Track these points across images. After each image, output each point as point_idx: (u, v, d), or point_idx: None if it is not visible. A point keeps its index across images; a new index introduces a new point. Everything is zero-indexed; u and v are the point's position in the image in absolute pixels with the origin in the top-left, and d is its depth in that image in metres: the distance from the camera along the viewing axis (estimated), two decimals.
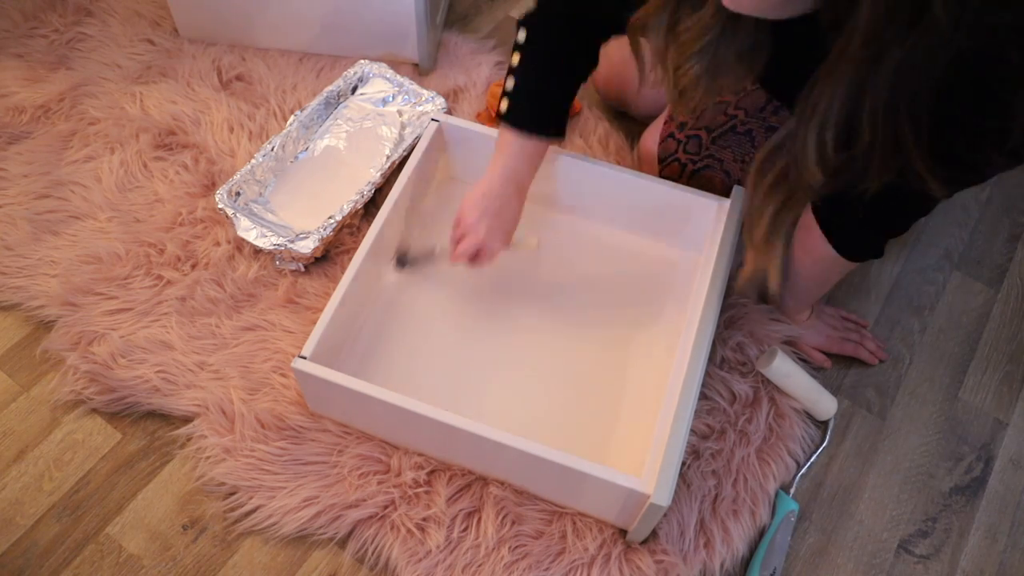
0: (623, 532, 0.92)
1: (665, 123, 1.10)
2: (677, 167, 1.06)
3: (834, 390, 1.06)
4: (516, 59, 0.92)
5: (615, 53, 1.19)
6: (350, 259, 1.02)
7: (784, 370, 1.00)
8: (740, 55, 0.73)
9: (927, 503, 0.99)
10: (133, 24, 1.35)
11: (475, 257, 0.96)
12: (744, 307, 1.08)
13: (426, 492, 0.93)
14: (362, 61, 1.25)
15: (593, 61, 0.95)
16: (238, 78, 1.30)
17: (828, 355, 1.08)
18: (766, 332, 1.06)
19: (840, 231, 0.89)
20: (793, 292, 1.04)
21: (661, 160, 1.08)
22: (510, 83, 0.93)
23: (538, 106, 0.94)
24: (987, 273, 1.18)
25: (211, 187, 1.16)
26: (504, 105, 0.94)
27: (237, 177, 1.11)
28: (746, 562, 0.93)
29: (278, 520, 0.92)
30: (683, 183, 1.06)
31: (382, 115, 1.24)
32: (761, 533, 0.94)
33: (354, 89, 1.25)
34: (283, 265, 1.09)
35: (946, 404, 1.07)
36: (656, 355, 1.02)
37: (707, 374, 1.02)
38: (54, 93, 1.25)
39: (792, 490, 0.98)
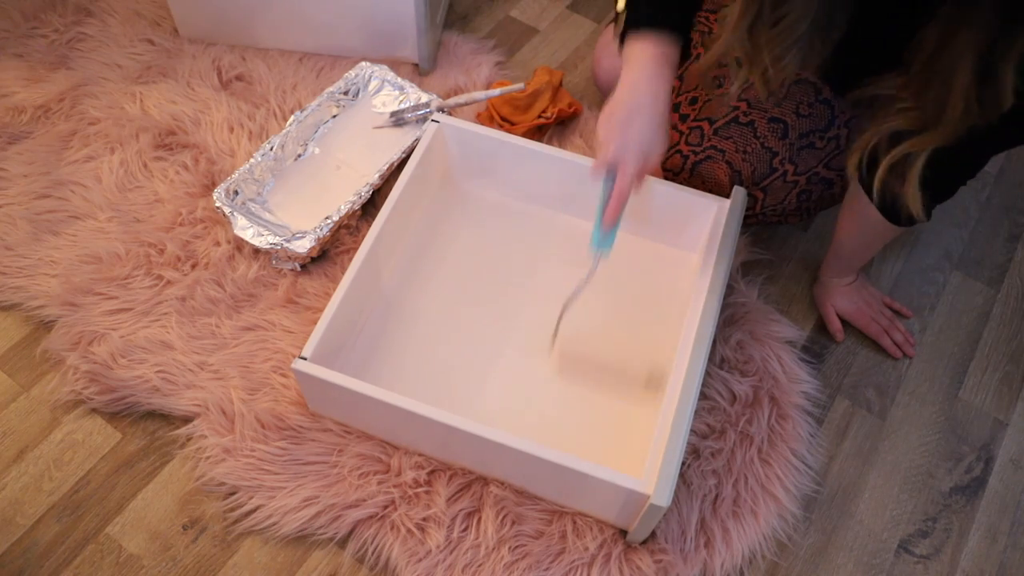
0: (623, 532, 0.92)
1: None
2: (679, 159, 1.06)
3: (834, 390, 1.07)
4: None
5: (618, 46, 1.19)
6: (350, 259, 1.02)
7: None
8: (826, 34, 0.77)
9: (927, 503, 0.99)
10: (133, 24, 1.35)
11: (616, 184, 0.87)
12: (744, 307, 1.08)
13: (426, 492, 0.93)
14: (363, 63, 1.25)
15: None
16: (238, 78, 1.30)
17: (853, 335, 1.10)
18: (766, 331, 1.06)
19: (886, 195, 0.89)
20: (837, 255, 1.06)
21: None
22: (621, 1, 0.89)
23: (658, 3, 0.87)
24: (987, 273, 1.18)
25: (211, 187, 1.16)
26: (620, 14, 0.88)
27: (235, 176, 1.11)
28: (747, 562, 0.93)
29: (278, 520, 0.92)
30: (685, 175, 1.06)
31: (382, 116, 1.24)
32: (762, 533, 0.94)
33: (354, 90, 1.25)
34: (279, 264, 1.09)
35: (946, 404, 1.07)
36: (656, 355, 1.02)
37: (707, 374, 1.02)
38: (54, 93, 1.25)
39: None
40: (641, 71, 0.86)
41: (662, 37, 0.86)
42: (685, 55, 0.89)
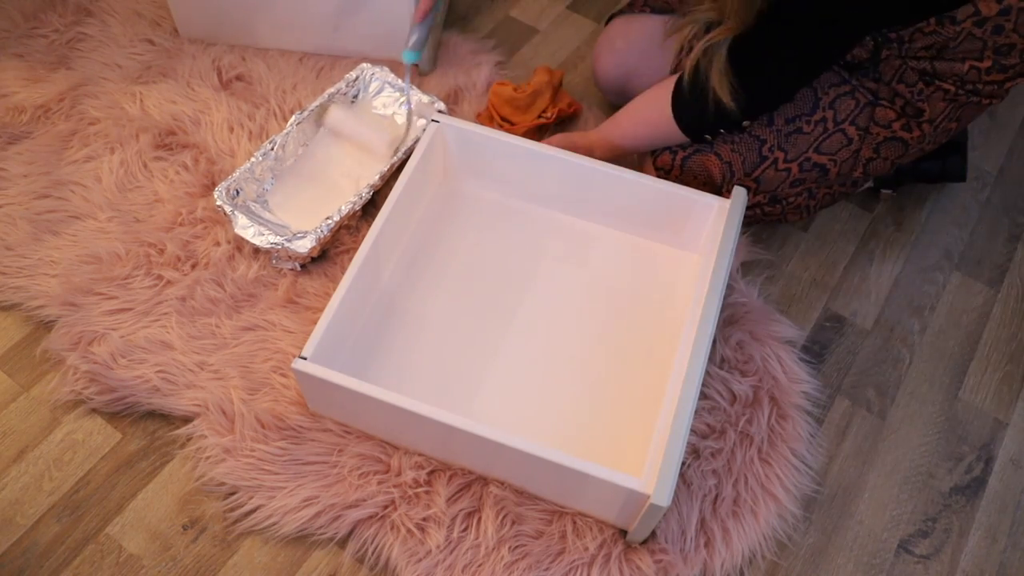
0: (623, 532, 0.92)
1: None
2: (668, 156, 1.06)
3: (834, 390, 1.07)
4: None
5: (619, 42, 1.19)
6: (350, 259, 1.02)
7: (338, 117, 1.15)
8: None
9: (927, 503, 0.99)
10: (133, 24, 1.35)
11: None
12: (744, 306, 1.08)
13: (426, 492, 0.93)
14: (363, 64, 1.25)
15: None
16: (238, 78, 1.30)
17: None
18: (766, 331, 1.06)
19: (696, 87, 0.98)
20: (618, 128, 1.10)
21: (653, 151, 1.08)
22: None
23: None
24: (987, 273, 1.18)
25: (211, 187, 1.16)
26: None
27: (236, 175, 1.11)
28: (747, 562, 0.93)
29: (278, 520, 0.92)
30: (676, 172, 1.06)
31: (382, 116, 1.24)
32: (762, 533, 0.94)
33: (354, 90, 1.25)
34: (279, 264, 1.09)
35: (946, 404, 1.07)
36: (656, 355, 1.02)
37: (707, 374, 1.02)
38: (54, 93, 1.25)
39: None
40: None
41: None
42: None
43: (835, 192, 1.08)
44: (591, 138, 1.12)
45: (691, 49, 0.98)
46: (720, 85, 0.94)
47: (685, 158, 1.05)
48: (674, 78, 1.02)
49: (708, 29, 0.95)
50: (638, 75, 1.19)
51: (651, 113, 1.05)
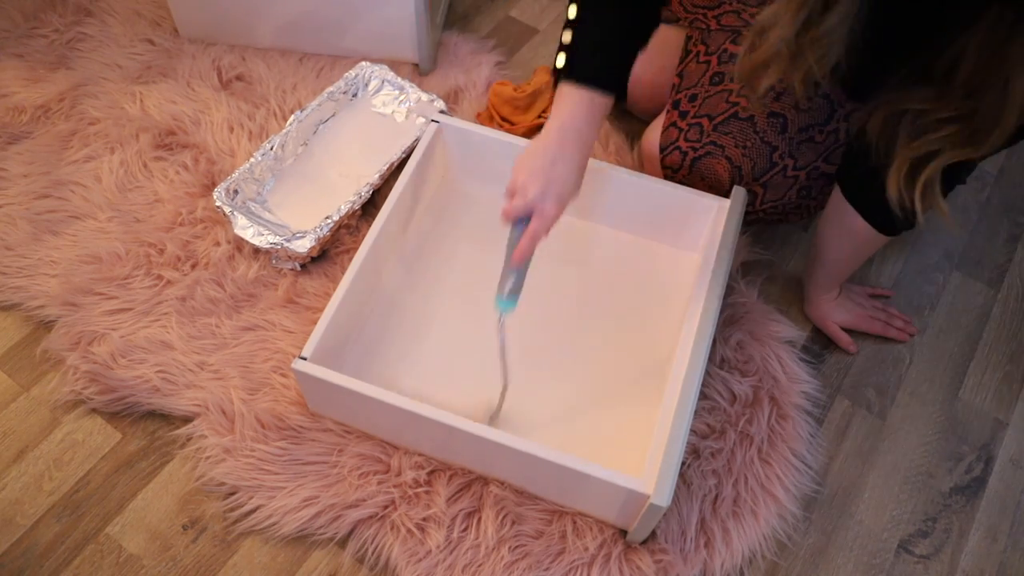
0: (623, 532, 0.92)
1: (667, 113, 1.10)
2: (678, 156, 1.06)
3: (834, 390, 1.07)
4: (573, 11, 0.89)
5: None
6: (350, 259, 1.02)
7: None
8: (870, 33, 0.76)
9: (927, 503, 0.99)
10: (133, 24, 1.35)
11: (531, 225, 0.86)
12: (744, 306, 1.08)
13: (426, 492, 0.93)
14: (363, 63, 1.25)
15: (655, 21, 0.92)
16: (238, 78, 1.30)
17: (855, 336, 1.10)
18: (766, 331, 1.06)
19: (875, 206, 0.90)
20: (827, 272, 1.05)
21: (662, 149, 1.07)
22: (567, 36, 0.89)
23: (600, 59, 0.87)
24: (987, 273, 1.18)
25: (211, 187, 1.16)
26: (562, 60, 0.89)
27: (235, 175, 1.11)
28: (747, 562, 0.93)
29: (278, 520, 0.92)
30: (685, 172, 1.06)
31: (382, 116, 1.24)
32: (762, 533, 0.94)
33: (354, 90, 1.25)
34: (279, 264, 1.09)
35: (946, 404, 1.07)
36: (656, 355, 1.02)
37: (707, 374, 1.02)
38: (54, 93, 1.25)
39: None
40: (576, 120, 0.86)
41: (597, 91, 0.86)
42: (620, 97, 0.90)
43: None
44: (816, 316, 1.11)
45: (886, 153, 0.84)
46: (942, 211, 0.82)
47: (695, 159, 1.04)
48: (841, 198, 0.95)
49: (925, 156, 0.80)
50: (641, 83, 1.19)
51: (856, 248, 1.00)
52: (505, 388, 0.95)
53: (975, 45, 0.70)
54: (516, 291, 0.88)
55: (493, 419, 0.97)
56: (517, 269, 0.87)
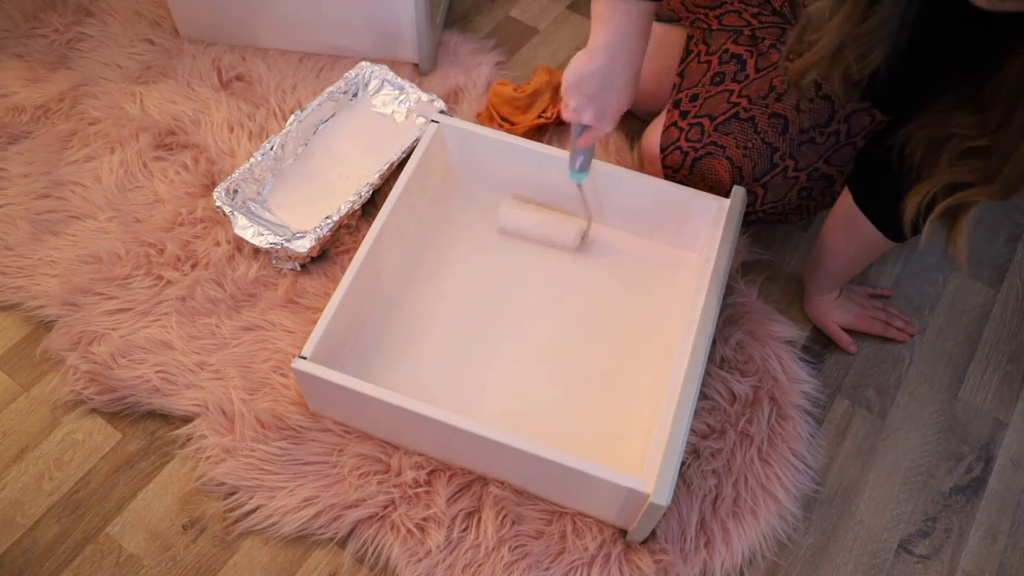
0: (623, 532, 0.92)
1: (667, 113, 1.10)
2: (679, 155, 1.06)
3: (834, 390, 1.07)
4: None
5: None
6: (350, 259, 1.02)
7: (511, 217, 1.10)
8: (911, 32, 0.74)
9: (927, 503, 0.99)
10: (133, 24, 1.35)
11: (591, 132, 0.91)
12: (744, 306, 1.08)
13: (426, 492, 0.93)
14: (363, 63, 1.25)
15: None
16: (238, 78, 1.30)
17: (855, 335, 1.09)
18: (766, 331, 1.06)
19: (887, 214, 0.89)
20: (828, 273, 1.05)
21: (663, 149, 1.07)
22: None
23: None
24: (987, 273, 1.18)
25: (211, 187, 1.16)
26: None
27: (235, 175, 1.11)
28: (747, 562, 0.93)
29: (278, 520, 0.92)
30: (685, 172, 1.06)
31: (381, 116, 1.24)
32: (762, 533, 0.94)
33: (354, 90, 1.25)
34: (279, 264, 1.09)
35: (946, 404, 1.07)
36: (656, 355, 1.02)
37: (707, 373, 1.02)
38: (54, 93, 1.25)
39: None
40: (620, 34, 0.85)
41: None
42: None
43: (836, 194, 1.08)
44: (816, 316, 1.11)
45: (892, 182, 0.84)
46: (962, 242, 0.79)
47: (696, 159, 1.04)
48: (851, 202, 0.93)
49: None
50: (643, 81, 1.19)
51: (862, 251, 1.00)
52: (590, 222, 1.10)
53: (1014, 75, 0.67)
54: (585, 167, 0.99)
55: (584, 238, 1.10)
56: (584, 151, 0.97)
